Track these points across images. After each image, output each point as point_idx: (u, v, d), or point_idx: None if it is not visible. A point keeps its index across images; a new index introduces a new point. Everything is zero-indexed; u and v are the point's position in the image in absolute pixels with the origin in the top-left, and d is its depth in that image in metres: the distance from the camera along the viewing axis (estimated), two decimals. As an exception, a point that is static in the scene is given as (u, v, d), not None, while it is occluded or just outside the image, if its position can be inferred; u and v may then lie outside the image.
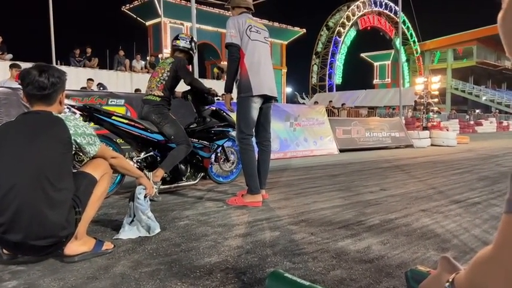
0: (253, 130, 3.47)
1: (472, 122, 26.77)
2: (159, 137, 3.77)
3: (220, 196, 3.76)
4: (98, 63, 15.11)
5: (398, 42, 32.51)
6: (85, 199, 1.97)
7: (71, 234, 1.90)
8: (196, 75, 7.42)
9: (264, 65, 3.40)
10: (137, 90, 11.94)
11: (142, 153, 3.79)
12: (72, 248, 1.95)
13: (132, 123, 3.64)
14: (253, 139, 3.50)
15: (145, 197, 2.48)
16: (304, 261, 1.99)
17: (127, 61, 15.82)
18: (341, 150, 8.85)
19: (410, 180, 4.71)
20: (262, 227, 2.64)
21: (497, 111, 36.84)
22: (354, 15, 37.36)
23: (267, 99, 3.46)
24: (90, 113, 3.45)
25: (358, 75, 47.34)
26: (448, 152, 9.16)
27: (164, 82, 3.82)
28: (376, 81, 46.35)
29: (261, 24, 3.54)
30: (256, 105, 3.37)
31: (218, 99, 4.25)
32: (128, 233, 2.41)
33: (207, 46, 25.68)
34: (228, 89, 3.42)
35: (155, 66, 16.97)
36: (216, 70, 20.57)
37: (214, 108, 4.34)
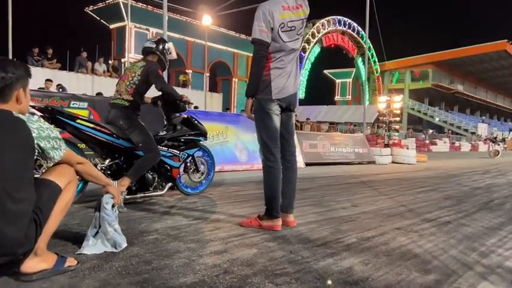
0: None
1: (427, 141, 27.91)
2: (126, 144, 3.55)
3: (190, 208, 3.58)
4: (58, 62, 14.49)
5: (360, 61, 33.41)
6: (47, 211, 1.75)
7: (30, 251, 1.68)
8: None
9: (289, 70, 2.89)
10: (99, 93, 11.48)
11: (107, 161, 3.56)
12: (31, 264, 1.72)
13: (98, 127, 3.41)
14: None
15: (113, 206, 2.29)
16: (287, 283, 1.87)
17: (89, 63, 15.29)
18: (307, 164, 8.87)
19: (379, 197, 4.72)
20: (238, 243, 2.50)
21: (450, 131, 38.70)
22: (318, 32, 38.08)
23: (286, 107, 2.95)
24: (52, 115, 3.19)
25: (321, 91, 48.28)
26: (409, 170, 9.39)
27: (134, 86, 3.62)
28: (337, 97, 47.58)
29: (297, 12, 2.82)
30: (276, 112, 2.87)
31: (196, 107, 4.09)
32: (92, 248, 2.19)
33: (172, 53, 25.34)
34: (252, 93, 2.85)
35: (118, 70, 16.58)
36: (181, 78, 20.25)
37: (185, 116, 4.18)
